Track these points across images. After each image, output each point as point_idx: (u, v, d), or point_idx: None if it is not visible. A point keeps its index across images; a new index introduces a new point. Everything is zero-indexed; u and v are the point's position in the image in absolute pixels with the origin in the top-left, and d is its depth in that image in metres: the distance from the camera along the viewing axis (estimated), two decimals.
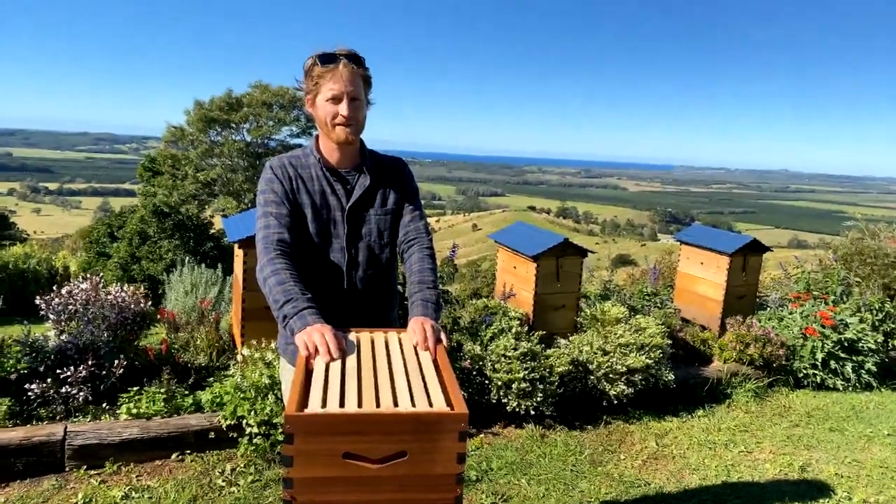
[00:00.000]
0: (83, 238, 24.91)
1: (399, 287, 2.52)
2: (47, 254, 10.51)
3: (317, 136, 1.94)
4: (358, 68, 1.81)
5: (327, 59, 1.79)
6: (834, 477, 3.38)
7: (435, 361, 1.57)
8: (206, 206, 26.54)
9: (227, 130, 27.58)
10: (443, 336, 1.66)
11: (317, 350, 1.51)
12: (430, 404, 1.34)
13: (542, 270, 4.20)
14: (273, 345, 3.33)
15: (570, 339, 4.14)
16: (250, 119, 27.24)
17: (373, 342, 1.65)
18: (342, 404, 1.31)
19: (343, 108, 1.79)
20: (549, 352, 3.90)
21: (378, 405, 1.32)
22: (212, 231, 24.15)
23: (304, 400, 1.32)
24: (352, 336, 1.65)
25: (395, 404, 1.33)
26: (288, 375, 1.93)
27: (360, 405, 1.31)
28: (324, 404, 1.30)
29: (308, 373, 1.45)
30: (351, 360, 1.52)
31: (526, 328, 4.03)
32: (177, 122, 26.83)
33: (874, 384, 4.76)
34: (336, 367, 1.47)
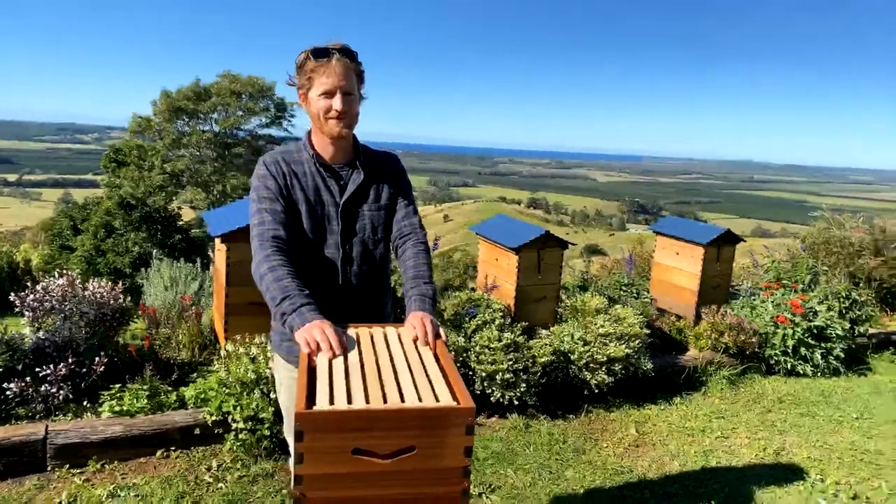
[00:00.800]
0: (45, 231, 24.23)
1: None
2: (7, 247, 10.21)
3: (309, 132, 1.92)
4: (351, 63, 1.80)
5: (320, 53, 1.77)
6: (807, 460, 3.51)
7: (435, 356, 1.58)
8: (174, 198, 26.03)
9: (195, 120, 27.07)
10: (441, 331, 1.68)
11: (318, 347, 1.51)
12: (437, 399, 1.35)
13: (524, 262, 4.23)
14: (257, 339, 3.31)
15: (552, 329, 4.20)
16: (219, 109, 26.77)
17: (372, 338, 1.65)
18: (350, 401, 1.32)
19: (336, 103, 1.77)
20: (531, 343, 3.95)
21: (385, 401, 1.33)
22: (179, 223, 23.71)
23: (311, 397, 1.32)
24: (350, 332, 1.65)
25: (402, 400, 1.34)
26: (284, 372, 1.92)
27: (367, 401, 1.32)
28: (331, 401, 1.31)
29: (311, 370, 1.46)
30: (353, 357, 1.52)
31: (508, 320, 4.07)
32: (143, 113, 26.27)
33: (842, 370, 4.92)
34: (339, 363, 1.47)
